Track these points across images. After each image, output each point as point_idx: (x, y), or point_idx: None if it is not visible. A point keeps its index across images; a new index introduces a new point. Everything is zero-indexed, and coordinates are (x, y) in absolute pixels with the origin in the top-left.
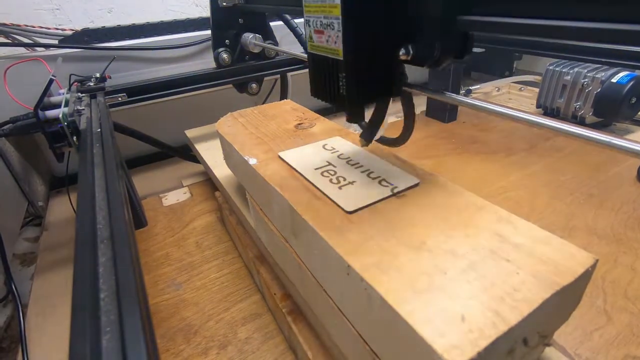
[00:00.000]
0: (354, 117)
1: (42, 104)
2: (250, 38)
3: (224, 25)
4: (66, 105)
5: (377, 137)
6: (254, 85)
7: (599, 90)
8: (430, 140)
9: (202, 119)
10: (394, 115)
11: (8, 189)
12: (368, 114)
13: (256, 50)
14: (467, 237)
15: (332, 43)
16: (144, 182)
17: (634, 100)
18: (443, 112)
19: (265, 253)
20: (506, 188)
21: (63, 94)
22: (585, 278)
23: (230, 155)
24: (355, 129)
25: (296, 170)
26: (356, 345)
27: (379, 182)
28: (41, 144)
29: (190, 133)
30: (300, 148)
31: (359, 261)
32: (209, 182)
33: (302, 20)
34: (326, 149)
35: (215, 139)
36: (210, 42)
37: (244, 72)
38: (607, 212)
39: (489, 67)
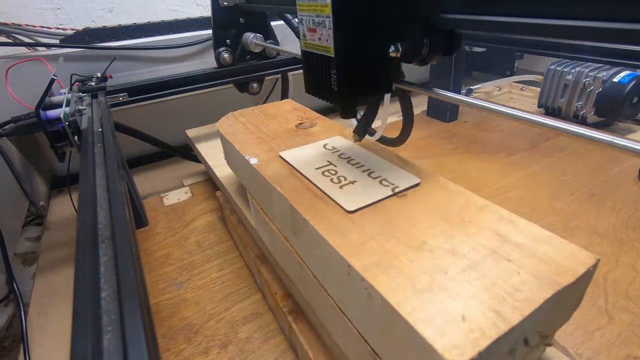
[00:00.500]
0: (346, 112)
1: (44, 104)
2: (251, 37)
3: (225, 24)
4: (67, 104)
5: (377, 137)
6: (254, 85)
7: (600, 89)
8: (431, 139)
9: (203, 118)
10: (395, 114)
11: (10, 188)
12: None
13: (257, 50)
14: (467, 237)
15: (324, 41)
16: (145, 181)
17: (635, 99)
18: (444, 112)
19: (266, 252)
20: (507, 188)
21: (64, 93)
22: (586, 278)
23: (231, 154)
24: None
25: (297, 170)
26: (357, 344)
27: (380, 182)
28: (42, 144)
29: (191, 133)
30: (301, 148)
31: (359, 261)
32: (210, 181)
33: None
34: (327, 149)
35: (216, 138)
36: (211, 42)
37: (245, 72)
38: (608, 212)
39: (490, 66)
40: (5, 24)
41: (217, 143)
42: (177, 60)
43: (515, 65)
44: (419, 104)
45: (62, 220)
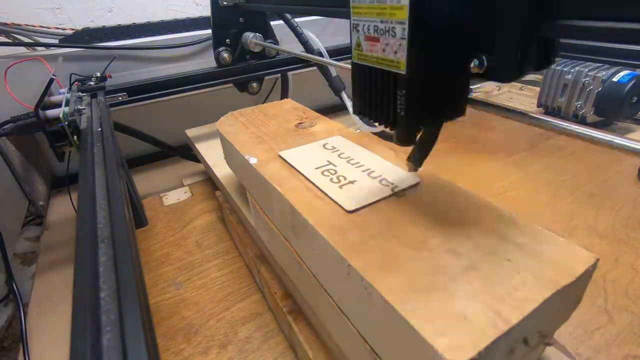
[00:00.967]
0: (408, 140)
1: (43, 104)
2: (250, 37)
3: (224, 24)
4: (67, 104)
5: (377, 130)
6: (254, 85)
7: (600, 89)
8: None
9: (202, 118)
10: None
11: (9, 188)
12: None
13: (257, 50)
14: (467, 237)
15: (391, 53)
16: (144, 181)
17: (635, 99)
18: None
19: (266, 252)
20: (507, 187)
21: (64, 93)
22: (586, 277)
23: (231, 154)
24: (357, 128)
25: (297, 170)
26: (357, 344)
27: (380, 182)
28: (42, 144)
29: (191, 132)
30: (300, 147)
31: (359, 260)
32: (210, 181)
33: (302, 19)
34: (327, 148)
35: (216, 138)
36: (210, 42)
37: (245, 72)
38: (608, 212)
39: None
40: (5, 24)
41: (216, 143)
42: (176, 60)
43: None
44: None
45: (61, 220)
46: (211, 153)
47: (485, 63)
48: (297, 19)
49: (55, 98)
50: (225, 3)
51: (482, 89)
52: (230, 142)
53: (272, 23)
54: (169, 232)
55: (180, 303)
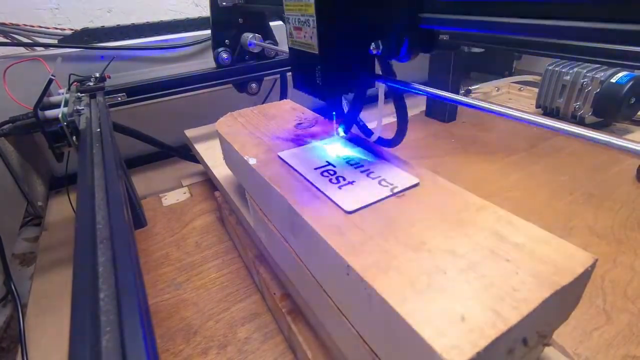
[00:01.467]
0: (331, 105)
1: (42, 104)
2: (250, 38)
3: (223, 25)
4: (66, 105)
5: (374, 138)
6: (253, 85)
7: (598, 90)
8: (429, 140)
9: (201, 118)
10: (391, 115)
11: (7, 188)
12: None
13: (256, 50)
14: (466, 237)
15: (309, 38)
16: (143, 182)
17: (633, 100)
18: (443, 112)
19: (265, 253)
20: (506, 188)
21: (62, 93)
22: (584, 278)
23: (230, 155)
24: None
25: (296, 170)
26: (356, 345)
27: (379, 182)
28: (41, 144)
29: (190, 133)
30: (299, 148)
31: (358, 261)
32: (209, 182)
33: None
34: (326, 149)
35: (215, 138)
36: (209, 42)
37: (244, 72)
38: (606, 212)
39: (489, 67)
40: (3, 24)
41: (215, 143)
42: (175, 61)
43: (514, 65)
44: (418, 104)
45: (60, 221)
46: (210, 153)
47: (381, 46)
48: None
49: (54, 98)
50: (224, 4)
51: (481, 90)
52: (229, 143)
53: (271, 23)
54: (168, 232)
55: (179, 303)
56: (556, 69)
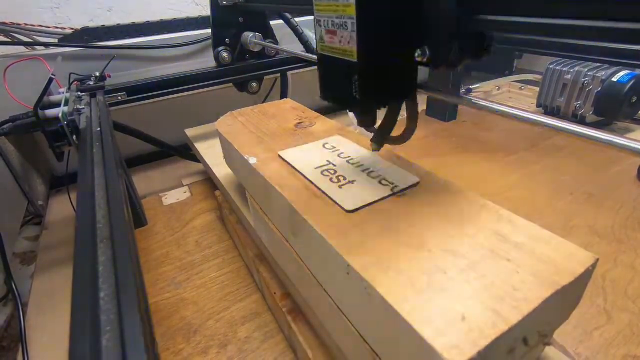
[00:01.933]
0: (366, 121)
1: (42, 103)
2: (250, 37)
3: (224, 24)
4: (66, 104)
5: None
6: (254, 84)
7: (599, 89)
8: (430, 139)
9: (202, 118)
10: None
11: (8, 188)
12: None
13: (256, 49)
14: (467, 237)
15: (345, 44)
16: (144, 181)
17: (634, 99)
18: (443, 111)
19: (265, 252)
20: (506, 187)
21: (63, 93)
22: (585, 277)
23: (230, 154)
24: (357, 129)
25: (296, 170)
26: (356, 344)
27: (379, 182)
28: (41, 143)
29: (190, 132)
30: (300, 147)
31: (359, 261)
32: (209, 181)
33: (302, 19)
34: (326, 148)
35: (215, 138)
36: (210, 41)
37: (244, 71)
38: (607, 212)
39: (489, 66)
40: (4, 23)
41: (216, 142)
42: (176, 60)
43: (515, 64)
44: (419, 103)
45: (60, 220)
46: (211, 153)
47: (428, 53)
48: (297, 19)
49: (54, 98)
50: (225, 3)
51: (482, 89)
52: (229, 142)
53: (272, 23)
54: (169, 231)
55: (179, 303)
56: (557, 67)
